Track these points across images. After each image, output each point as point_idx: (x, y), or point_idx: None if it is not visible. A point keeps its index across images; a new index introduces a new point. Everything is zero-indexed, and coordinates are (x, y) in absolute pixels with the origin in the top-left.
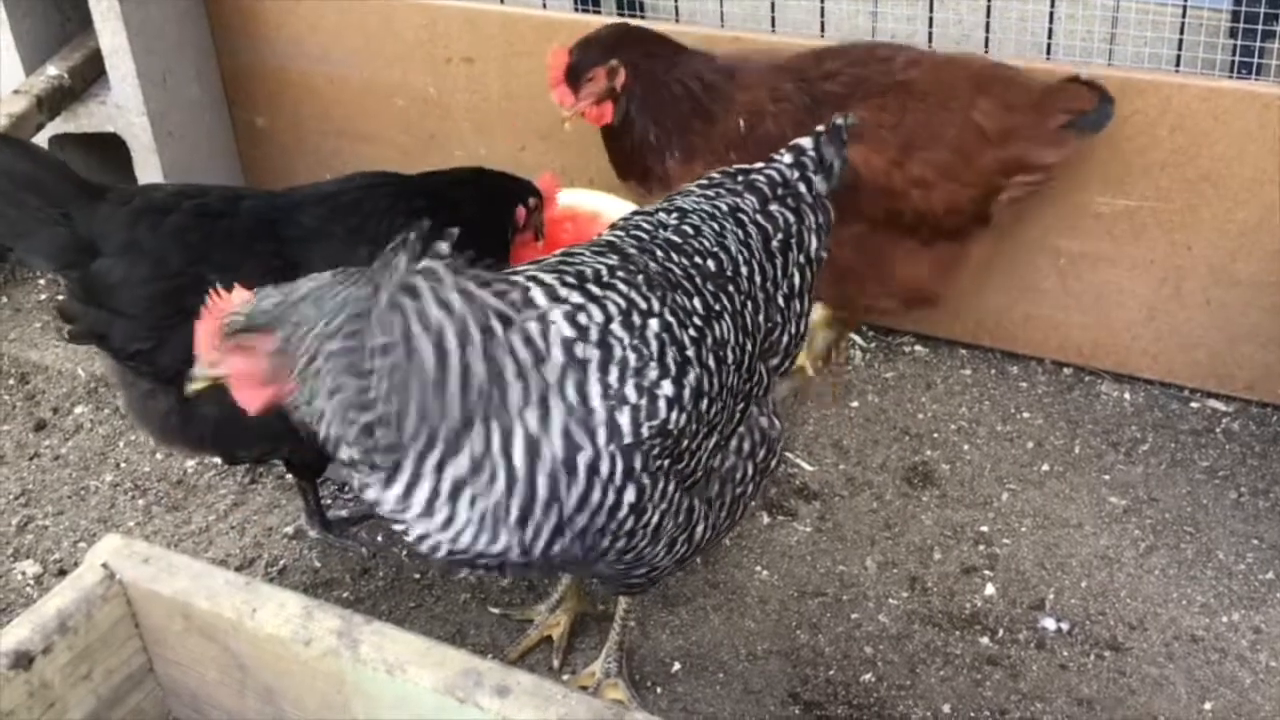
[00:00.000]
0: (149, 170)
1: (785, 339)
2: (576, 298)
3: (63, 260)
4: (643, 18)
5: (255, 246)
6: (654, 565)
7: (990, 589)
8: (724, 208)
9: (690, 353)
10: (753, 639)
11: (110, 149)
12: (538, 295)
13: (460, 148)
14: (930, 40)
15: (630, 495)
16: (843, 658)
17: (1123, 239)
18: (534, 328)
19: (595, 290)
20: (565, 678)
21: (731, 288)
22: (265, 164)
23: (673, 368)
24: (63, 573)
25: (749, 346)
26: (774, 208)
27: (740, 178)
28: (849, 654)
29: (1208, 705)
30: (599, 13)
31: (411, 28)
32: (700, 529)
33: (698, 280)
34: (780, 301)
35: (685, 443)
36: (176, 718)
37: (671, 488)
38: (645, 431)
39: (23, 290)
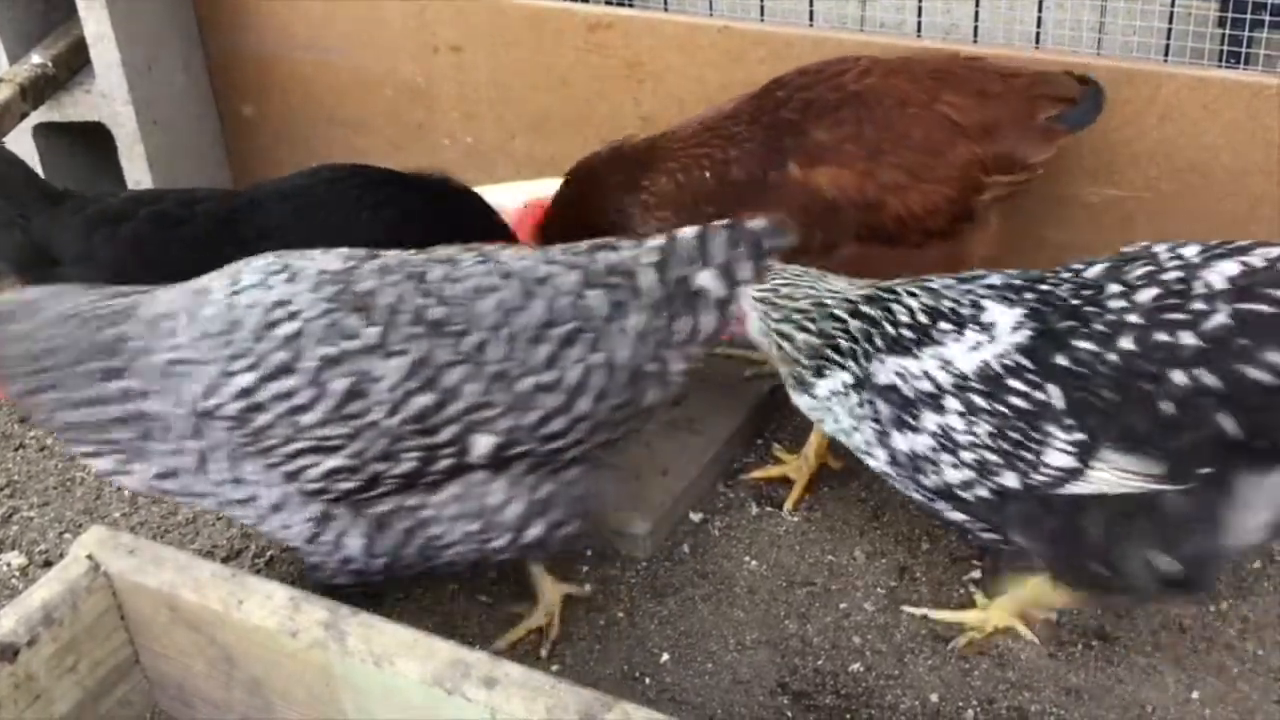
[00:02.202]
0: (135, 160)
1: (506, 423)
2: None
3: (19, 263)
4: (631, 6)
5: (214, 251)
6: (296, 547)
7: (978, 577)
8: (535, 273)
9: (308, 364)
10: (741, 629)
11: (95, 138)
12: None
13: (448, 137)
14: (919, 30)
15: (195, 446)
16: (831, 647)
17: (1110, 229)
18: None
19: (279, 282)
20: (554, 669)
21: (448, 342)
22: (252, 153)
23: (269, 367)
24: (48, 564)
25: (429, 402)
26: (591, 294)
27: (594, 252)
28: (837, 643)
29: (1195, 694)
30: (587, 1)
31: (400, 16)
32: (352, 541)
33: (404, 317)
34: (522, 387)
35: (267, 441)
36: (163, 710)
37: (257, 466)
38: (210, 403)
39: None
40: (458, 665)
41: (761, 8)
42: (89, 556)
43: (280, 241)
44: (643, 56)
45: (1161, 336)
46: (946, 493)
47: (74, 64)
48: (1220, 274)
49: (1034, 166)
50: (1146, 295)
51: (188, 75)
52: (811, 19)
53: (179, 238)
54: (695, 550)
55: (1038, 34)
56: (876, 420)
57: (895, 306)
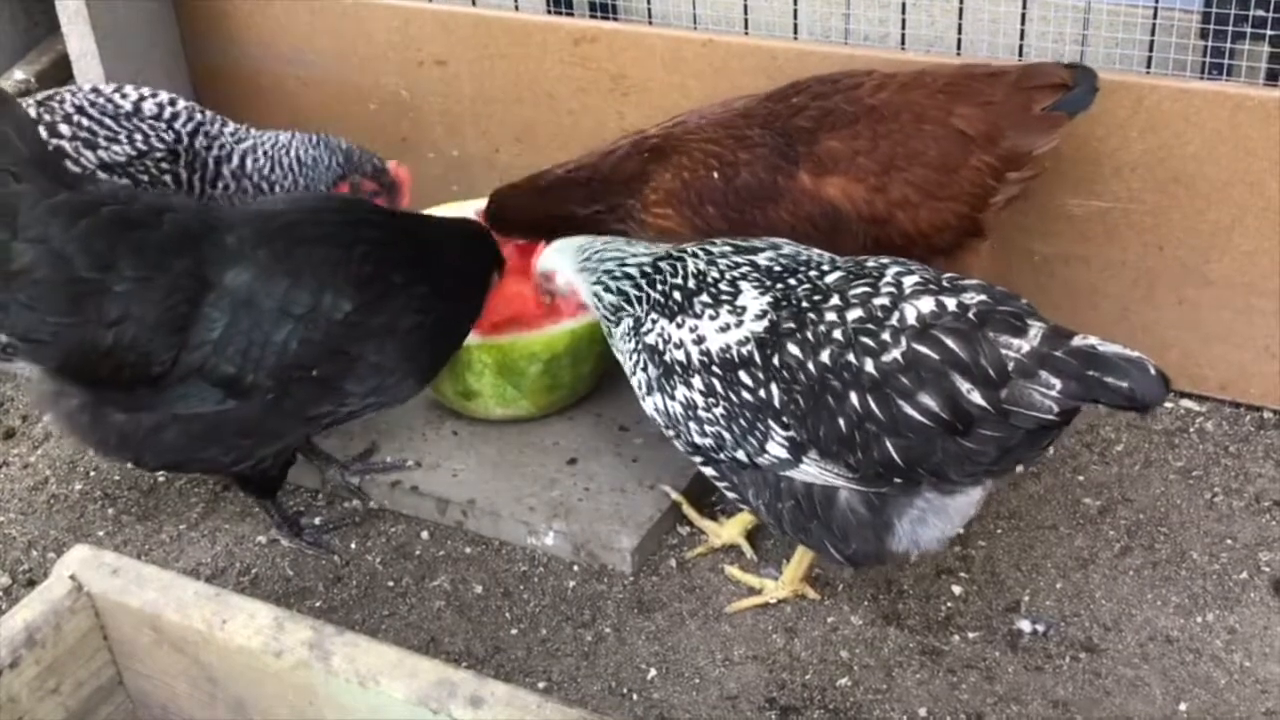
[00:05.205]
0: None
1: None
2: None
3: None
4: (615, 19)
5: (168, 261)
6: None
7: (965, 591)
8: None
9: None
10: (729, 643)
11: None
12: None
13: (433, 150)
14: (903, 42)
15: None
16: (819, 662)
17: (1095, 240)
18: None
19: None
20: (541, 686)
21: None
22: None
23: None
24: (32, 583)
25: None
26: None
27: None
28: (825, 658)
29: (1183, 706)
30: (571, 14)
31: (384, 29)
32: None
33: None
34: None
35: None
36: None
37: None
38: None
39: None
40: (444, 684)
41: (746, 21)
42: (72, 576)
43: (235, 265)
44: (627, 70)
45: (850, 358)
46: (698, 451)
47: (58, 80)
48: (915, 309)
49: (1040, 159)
50: (853, 315)
51: (172, 90)
52: (796, 32)
53: (132, 241)
54: (682, 565)
55: (1021, 46)
56: (645, 371)
57: (678, 266)
